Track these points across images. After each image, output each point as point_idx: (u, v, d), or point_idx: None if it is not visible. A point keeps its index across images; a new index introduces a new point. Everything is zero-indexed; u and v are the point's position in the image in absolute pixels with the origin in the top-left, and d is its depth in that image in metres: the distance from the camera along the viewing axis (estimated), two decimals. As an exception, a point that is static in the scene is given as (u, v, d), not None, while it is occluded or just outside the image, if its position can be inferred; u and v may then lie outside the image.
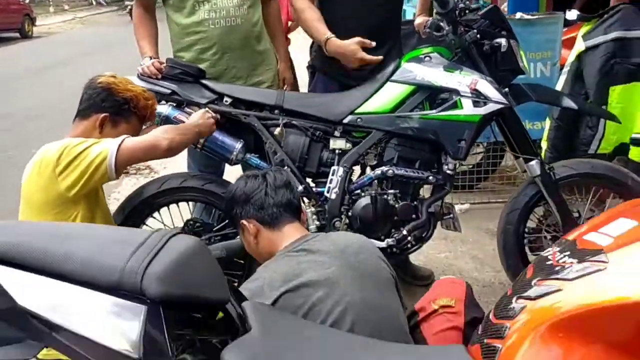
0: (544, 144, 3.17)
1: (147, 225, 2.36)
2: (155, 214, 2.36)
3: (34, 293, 0.72)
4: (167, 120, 2.23)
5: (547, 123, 3.19)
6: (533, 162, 2.33)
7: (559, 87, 3.11)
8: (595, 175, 2.38)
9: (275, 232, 1.71)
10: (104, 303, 0.71)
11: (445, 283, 1.79)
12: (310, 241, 1.63)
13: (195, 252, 0.83)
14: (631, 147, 2.89)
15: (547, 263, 0.86)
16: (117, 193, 4.15)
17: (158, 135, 1.88)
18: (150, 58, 2.38)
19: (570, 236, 0.91)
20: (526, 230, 2.47)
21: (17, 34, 16.02)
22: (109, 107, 1.91)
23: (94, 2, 29.70)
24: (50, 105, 7.42)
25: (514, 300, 0.84)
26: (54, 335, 0.71)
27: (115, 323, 0.69)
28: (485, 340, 0.83)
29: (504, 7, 5.09)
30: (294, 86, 2.90)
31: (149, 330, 0.69)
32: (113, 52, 12.47)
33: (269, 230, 1.72)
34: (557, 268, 0.83)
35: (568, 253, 0.85)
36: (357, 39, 2.35)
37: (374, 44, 2.35)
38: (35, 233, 0.80)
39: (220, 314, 0.84)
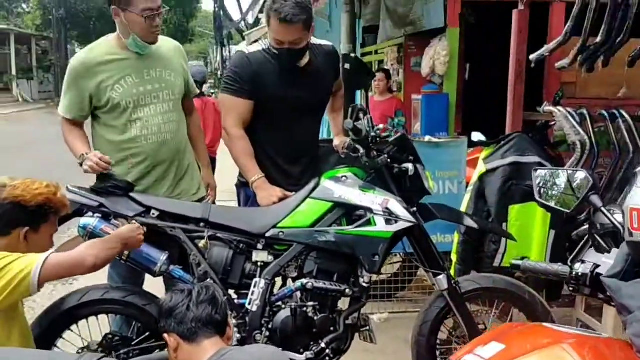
0: (453, 257, 3.40)
1: (64, 338, 2.32)
2: (74, 327, 2.33)
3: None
4: (93, 233, 2.27)
5: (456, 237, 3.44)
6: (441, 277, 2.52)
7: (464, 204, 3.40)
8: (497, 290, 2.60)
9: (194, 346, 1.76)
10: None
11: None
12: (226, 355, 1.69)
13: None
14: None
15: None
16: (33, 302, 3.98)
17: (83, 251, 1.92)
18: (81, 156, 2.46)
19: (455, 357, 1.05)
20: (437, 342, 2.61)
21: None
22: (27, 219, 1.91)
23: (20, 99, 29.36)
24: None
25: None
26: None
27: None
28: None
29: (417, 127, 5.57)
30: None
31: None
32: (33, 150, 12.28)
33: (188, 344, 1.76)
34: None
35: (450, 372, 0.98)
36: (281, 192, 2.56)
37: (292, 194, 2.54)
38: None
39: None
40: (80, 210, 2.35)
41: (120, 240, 2.08)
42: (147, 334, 2.35)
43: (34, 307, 3.76)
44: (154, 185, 2.67)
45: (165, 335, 1.79)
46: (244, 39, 29.43)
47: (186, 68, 2.84)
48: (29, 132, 16.43)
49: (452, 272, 3.42)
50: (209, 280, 2.33)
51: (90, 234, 2.27)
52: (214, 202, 2.94)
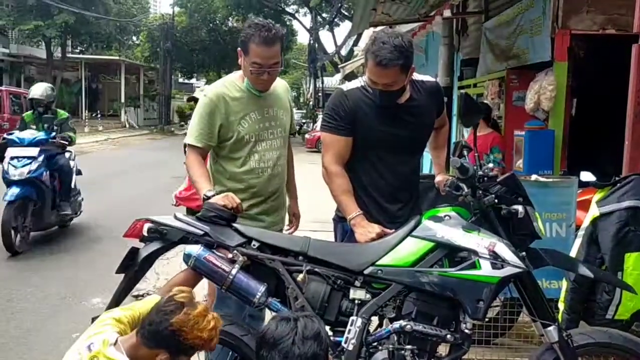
0: (561, 305, 3.18)
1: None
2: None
3: None
4: (197, 259, 2.31)
5: (564, 284, 3.22)
6: (551, 328, 2.34)
7: (574, 249, 3.18)
8: (613, 346, 2.38)
9: None
10: None
11: None
12: None
13: None
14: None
15: None
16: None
17: None
18: (210, 191, 2.58)
19: None
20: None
21: (52, 151, 16.79)
22: (174, 348, 1.90)
23: (127, 125, 31.37)
24: (72, 224, 7.61)
25: None
26: None
27: None
28: None
29: (519, 164, 5.33)
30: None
31: None
32: (141, 173, 13.00)
33: None
34: None
35: None
36: (380, 229, 2.49)
37: (392, 231, 2.47)
38: None
39: None
40: (185, 238, 2.41)
41: None
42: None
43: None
44: (262, 213, 2.82)
45: None
46: (337, 71, 30.03)
47: (292, 106, 3.04)
48: (135, 156, 17.49)
49: (559, 320, 3.20)
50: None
51: (194, 262, 2.31)
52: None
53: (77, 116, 29.75)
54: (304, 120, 32.97)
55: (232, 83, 2.80)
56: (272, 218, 2.87)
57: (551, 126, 5.17)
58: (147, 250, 2.41)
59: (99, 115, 29.48)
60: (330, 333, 2.38)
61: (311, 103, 35.06)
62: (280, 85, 2.92)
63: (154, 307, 1.96)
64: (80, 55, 33.85)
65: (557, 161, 5.12)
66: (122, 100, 32.94)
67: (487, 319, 3.77)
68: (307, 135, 23.36)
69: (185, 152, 2.84)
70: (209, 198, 2.53)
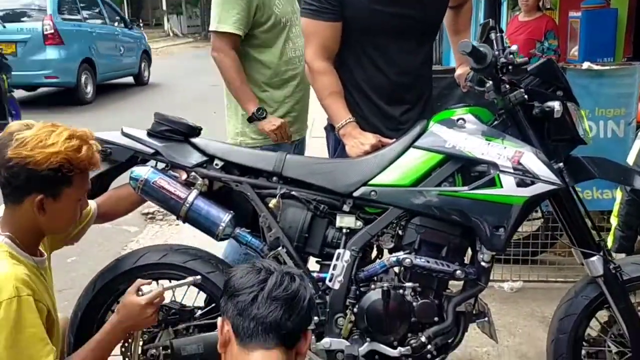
0: (613, 220, 2.65)
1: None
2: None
3: None
4: (145, 184, 1.90)
5: (618, 194, 2.66)
6: (594, 259, 1.83)
7: (634, 151, 2.60)
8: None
9: (242, 352, 1.28)
10: None
11: None
12: None
13: None
14: None
15: None
16: (136, 242, 3.88)
17: None
18: (260, 110, 2.36)
19: None
20: (585, 338, 1.96)
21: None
22: (40, 186, 1.49)
23: (171, 34, 30.87)
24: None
25: None
26: None
27: None
28: None
29: (574, 52, 4.61)
30: None
31: None
32: (182, 83, 12.70)
33: (239, 345, 1.29)
34: None
35: None
36: (376, 139, 1.99)
37: (392, 141, 1.97)
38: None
39: None
40: (135, 158, 1.98)
41: (117, 326, 1.64)
42: (212, 305, 1.98)
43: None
44: (303, 108, 2.62)
45: (220, 319, 1.34)
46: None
47: None
48: (176, 66, 17.12)
49: (610, 237, 2.69)
50: (281, 248, 1.87)
51: (142, 186, 1.90)
52: None
53: (120, 27, 29.36)
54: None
55: None
56: (302, 122, 2.62)
57: (613, 4, 4.39)
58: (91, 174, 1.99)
59: (141, 25, 28.91)
60: (316, 268, 1.96)
61: None
62: None
63: None
64: (119, -37, 32.95)
65: (620, 47, 4.43)
66: (164, 7, 32.19)
67: (526, 234, 3.28)
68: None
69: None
70: (257, 118, 2.31)
